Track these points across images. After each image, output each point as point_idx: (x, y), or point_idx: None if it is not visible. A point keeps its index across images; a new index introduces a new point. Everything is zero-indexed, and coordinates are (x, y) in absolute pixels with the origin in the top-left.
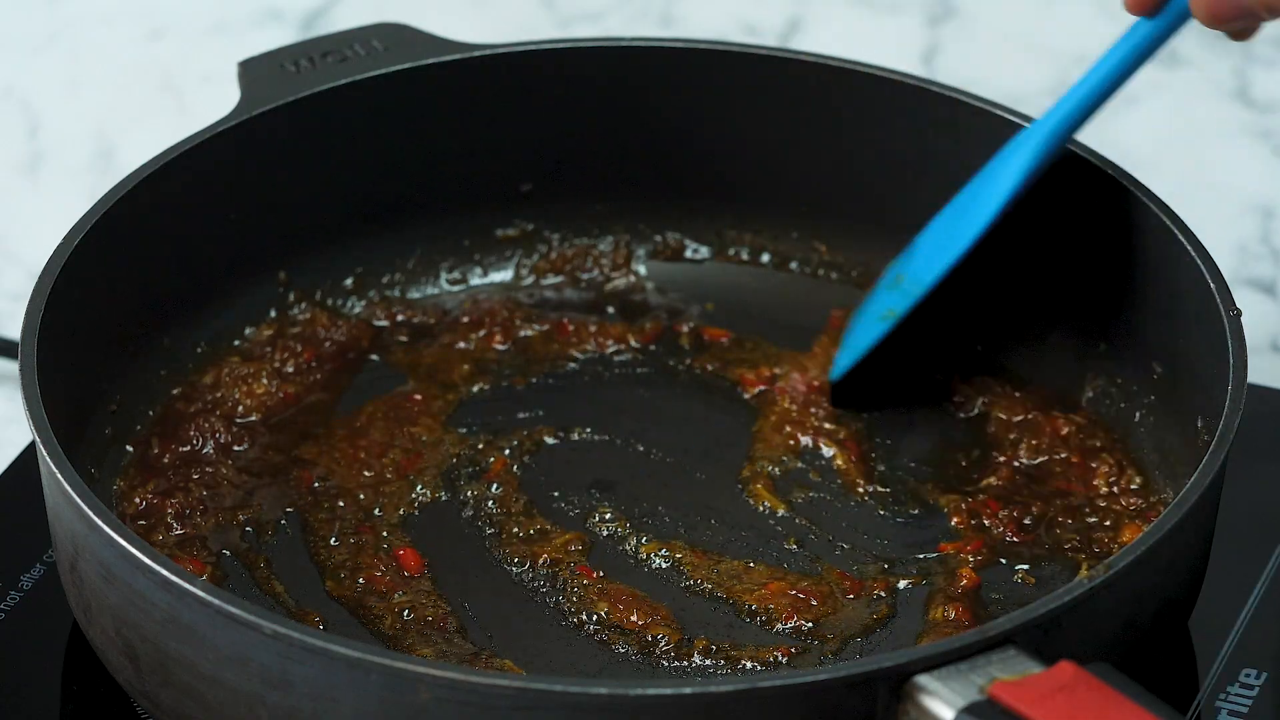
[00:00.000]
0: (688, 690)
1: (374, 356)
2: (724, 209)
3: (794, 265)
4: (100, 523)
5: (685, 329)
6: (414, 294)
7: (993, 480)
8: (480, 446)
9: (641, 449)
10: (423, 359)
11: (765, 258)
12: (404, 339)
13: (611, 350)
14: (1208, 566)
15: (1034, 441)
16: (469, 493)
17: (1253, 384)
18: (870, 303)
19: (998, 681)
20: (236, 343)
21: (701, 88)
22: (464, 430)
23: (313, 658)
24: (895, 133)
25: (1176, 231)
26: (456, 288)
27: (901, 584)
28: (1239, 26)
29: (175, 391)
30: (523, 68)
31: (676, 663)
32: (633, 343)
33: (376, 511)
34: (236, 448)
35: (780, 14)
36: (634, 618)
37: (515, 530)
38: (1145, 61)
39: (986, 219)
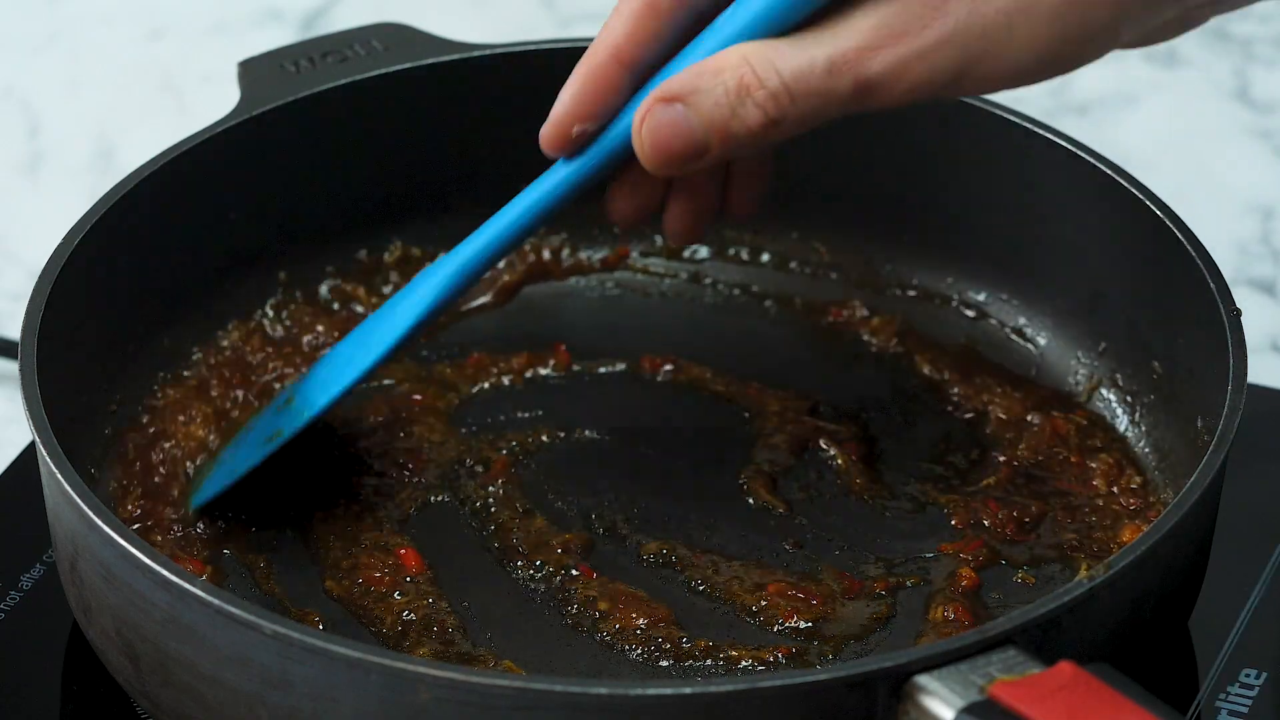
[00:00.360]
0: (688, 690)
1: None
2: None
3: (794, 265)
4: (100, 523)
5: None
6: None
7: (993, 480)
8: (480, 446)
9: (642, 449)
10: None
11: (765, 258)
12: None
13: None
14: (1208, 566)
15: (1034, 441)
16: (469, 493)
17: (1253, 384)
18: (255, 424)
19: (998, 681)
20: (235, 342)
21: None
22: (464, 430)
23: (313, 658)
24: (895, 133)
25: (1176, 231)
26: None
27: (901, 584)
28: (690, 169)
29: (175, 391)
30: (523, 68)
31: (676, 663)
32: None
33: (377, 511)
34: None
35: None
36: (634, 618)
37: (515, 530)
38: (569, 199)
39: (379, 354)
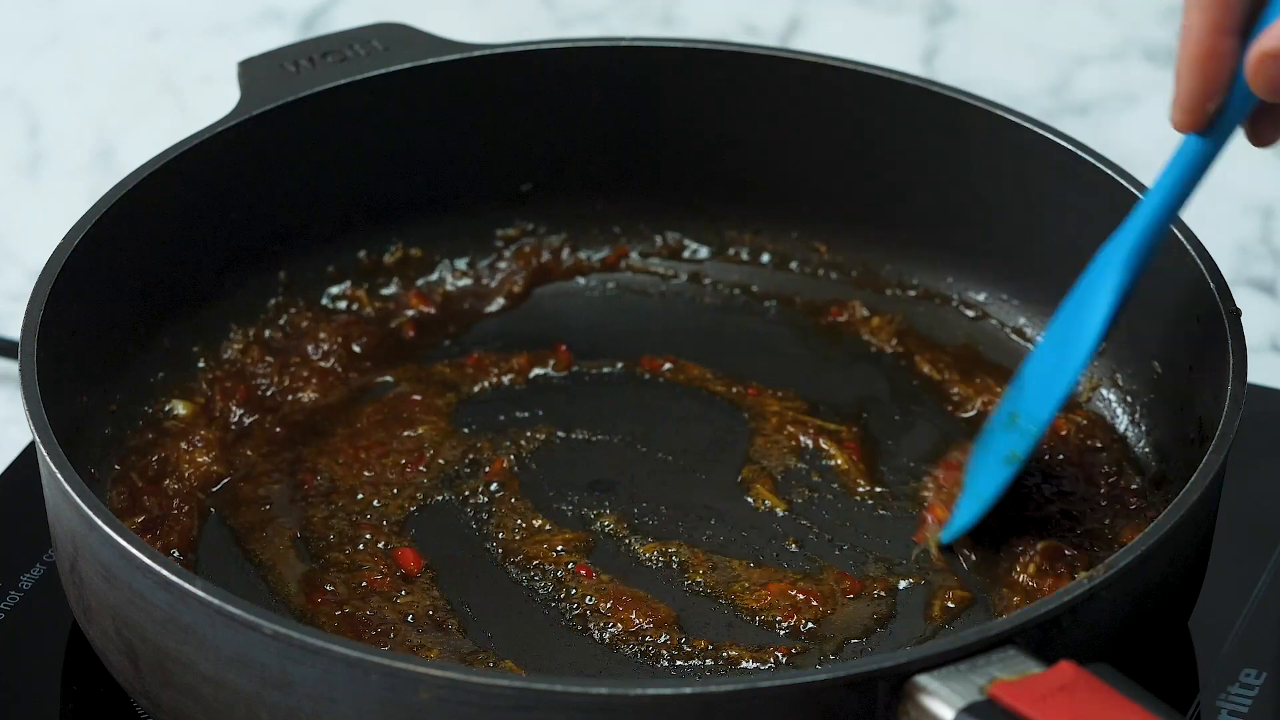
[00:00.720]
0: (688, 690)
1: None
2: (724, 209)
3: (794, 265)
4: (100, 523)
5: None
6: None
7: None
8: (480, 446)
9: (641, 449)
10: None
11: (765, 258)
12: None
13: None
14: (1208, 566)
15: None
16: (469, 493)
17: (1253, 384)
18: (987, 446)
19: (998, 681)
20: (235, 343)
21: (701, 88)
22: (464, 430)
23: (313, 658)
24: (895, 133)
25: (1176, 231)
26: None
27: (901, 584)
28: None
29: (175, 391)
30: (523, 68)
31: (676, 663)
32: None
33: (377, 512)
34: (236, 448)
35: (780, 14)
36: (634, 618)
37: (515, 530)
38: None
39: (1088, 349)
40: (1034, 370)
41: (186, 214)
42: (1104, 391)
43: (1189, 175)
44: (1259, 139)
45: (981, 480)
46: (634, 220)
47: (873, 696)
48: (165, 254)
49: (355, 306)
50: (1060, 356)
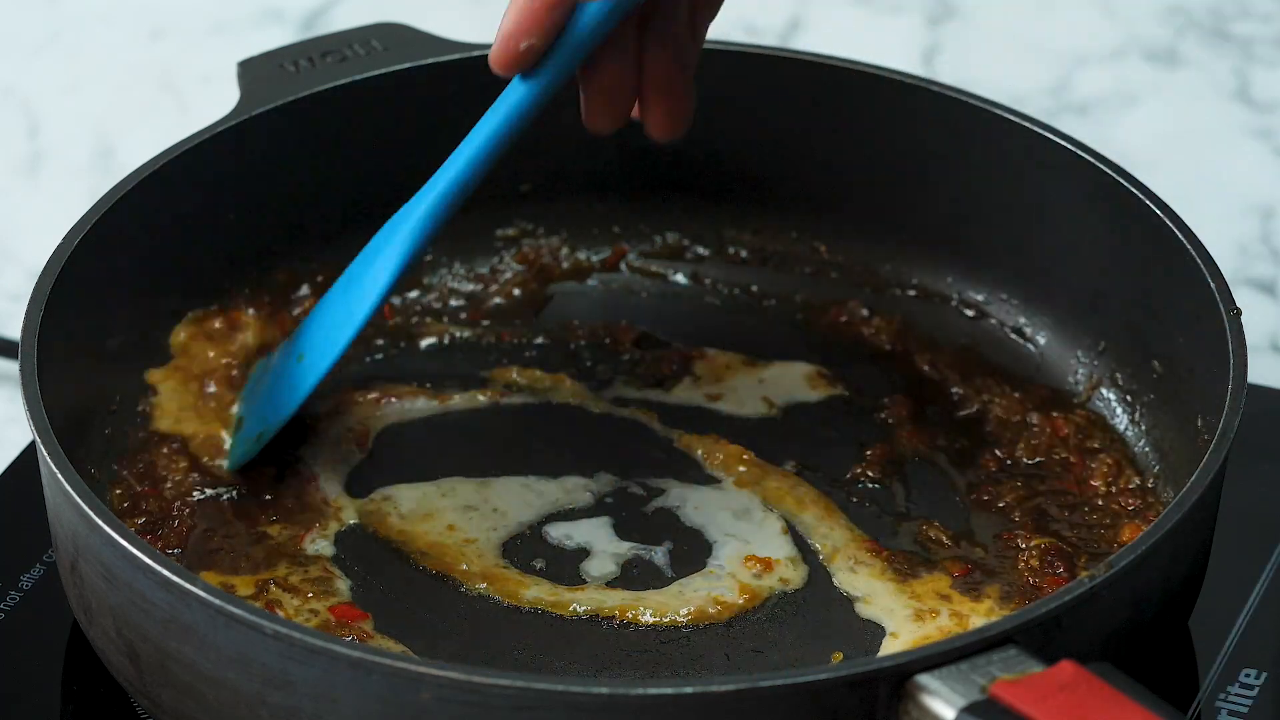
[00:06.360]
0: (688, 690)
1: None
2: (724, 209)
3: (794, 265)
4: (101, 523)
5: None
6: (414, 295)
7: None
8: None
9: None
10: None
11: (765, 258)
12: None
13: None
14: (1208, 566)
15: (1033, 441)
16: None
17: (1253, 384)
18: (269, 380)
19: (999, 681)
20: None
21: (701, 88)
22: (465, 430)
23: (314, 658)
24: (895, 133)
25: (1176, 231)
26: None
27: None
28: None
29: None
30: None
31: (681, 663)
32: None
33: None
34: None
35: (780, 14)
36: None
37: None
38: (532, 116)
39: (370, 307)
40: (322, 315)
41: (186, 214)
42: (1104, 391)
43: (506, 126)
44: (589, 121)
45: (261, 415)
46: (634, 220)
47: (873, 696)
48: (165, 254)
49: None
50: (348, 306)
